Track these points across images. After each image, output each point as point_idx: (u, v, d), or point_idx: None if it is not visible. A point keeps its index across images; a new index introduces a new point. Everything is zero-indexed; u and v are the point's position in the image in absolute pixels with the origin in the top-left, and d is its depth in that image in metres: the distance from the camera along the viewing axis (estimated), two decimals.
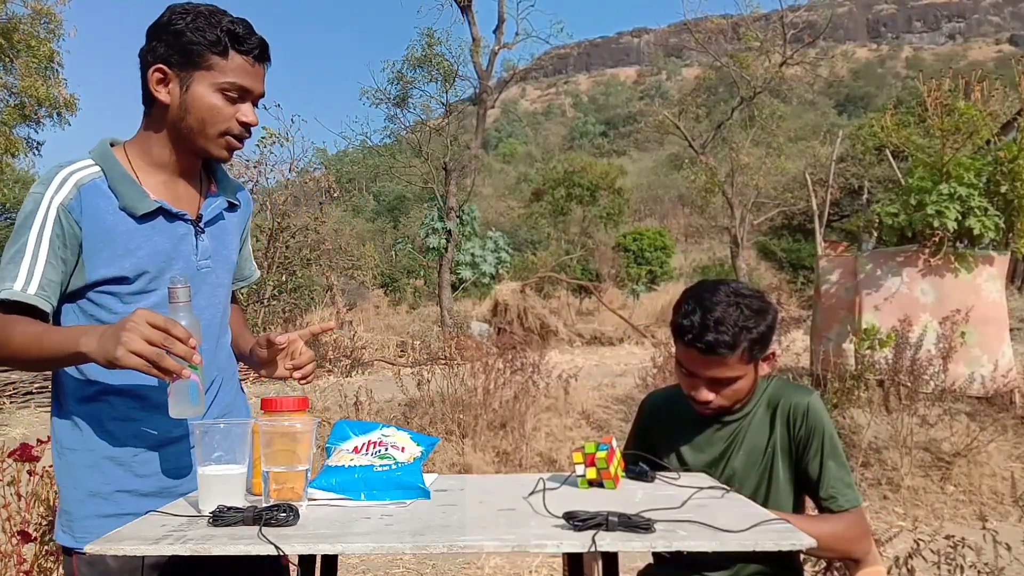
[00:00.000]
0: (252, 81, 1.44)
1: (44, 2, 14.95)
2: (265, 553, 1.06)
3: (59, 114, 15.71)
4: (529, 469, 5.17)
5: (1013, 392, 5.60)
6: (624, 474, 1.57)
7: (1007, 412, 5.46)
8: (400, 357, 11.76)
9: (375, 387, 6.85)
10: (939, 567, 2.46)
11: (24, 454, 2.42)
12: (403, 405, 6.28)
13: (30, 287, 1.33)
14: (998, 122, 6.30)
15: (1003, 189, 5.69)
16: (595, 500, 1.37)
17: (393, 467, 1.39)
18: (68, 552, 1.45)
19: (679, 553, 1.17)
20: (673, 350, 1.90)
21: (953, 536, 2.50)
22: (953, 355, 5.36)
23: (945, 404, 5.29)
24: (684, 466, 1.77)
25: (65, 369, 1.43)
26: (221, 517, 1.16)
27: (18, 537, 2.37)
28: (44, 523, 2.46)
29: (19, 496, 2.51)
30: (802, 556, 1.88)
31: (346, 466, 1.38)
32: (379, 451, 1.42)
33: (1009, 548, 2.53)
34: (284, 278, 12.41)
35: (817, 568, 2.34)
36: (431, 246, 16.46)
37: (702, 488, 1.45)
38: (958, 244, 5.78)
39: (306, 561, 1.23)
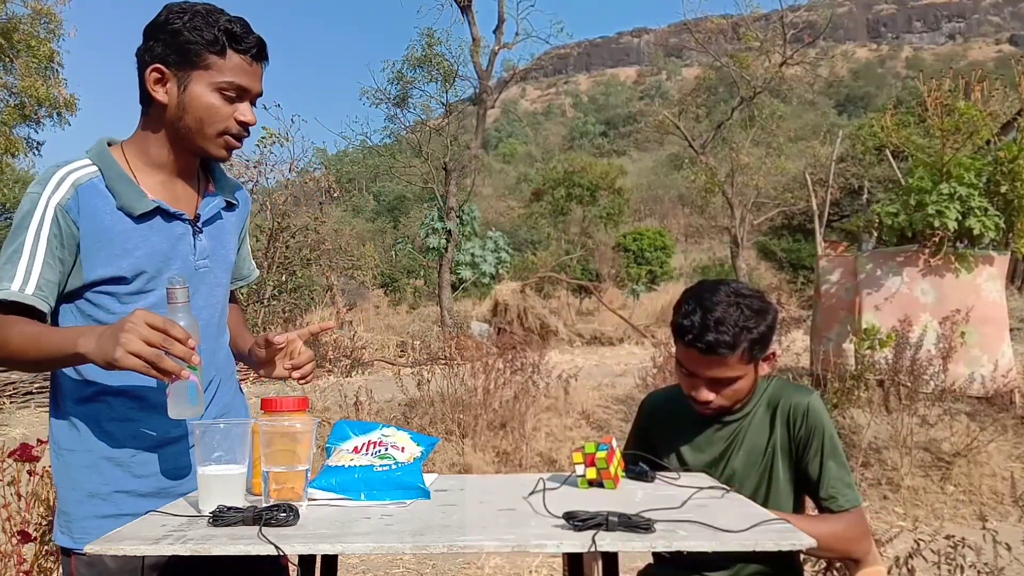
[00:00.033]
0: (250, 80, 1.44)
1: (44, 2, 14.95)
2: (265, 553, 1.06)
3: (59, 114, 15.71)
4: (529, 469, 5.17)
5: (1013, 392, 5.60)
6: (624, 474, 1.57)
7: (1007, 412, 5.46)
8: (400, 357, 11.76)
9: (375, 387, 6.85)
10: (939, 567, 2.46)
11: (24, 454, 2.42)
12: (403, 405, 6.28)
13: (28, 287, 1.33)
14: (998, 122, 6.30)
15: (1003, 189, 5.69)
16: (595, 500, 1.37)
17: (393, 467, 1.39)
18: (67, 553, 1.45)
19: (679, 553, 1.17)
20: (673, 350, 1.90)
21: (953, 536, 2.50)
22: (953, 355, 5.36)
23: (945, 404, 5.29)
24: (684, 466, 1.77)
25: (63, 370, 1.43)
26: (221, 517, 1.16)
27: (18, 537, 2.37)
28: (44, 523, 2.46)
29: (19, 496, 2.51)
30: (802, 556, 1.88)
31: (346, 466, 1.38)
32: (379, 451, 1.42)
33: (1009, 548, 2.53)
34: (284, 278, 12.42)
35: (817, 568, 2.34)
36: (431, 246, 16.46)
37: (702, 488, 1.45)
38: (958, 244, 5.78)
39: (306, 561, 1.23)
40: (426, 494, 1.38)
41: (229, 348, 1.65)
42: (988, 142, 6.13)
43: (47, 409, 1.51)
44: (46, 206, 1.36)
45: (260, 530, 1.11)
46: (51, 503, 2.48)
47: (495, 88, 16.78)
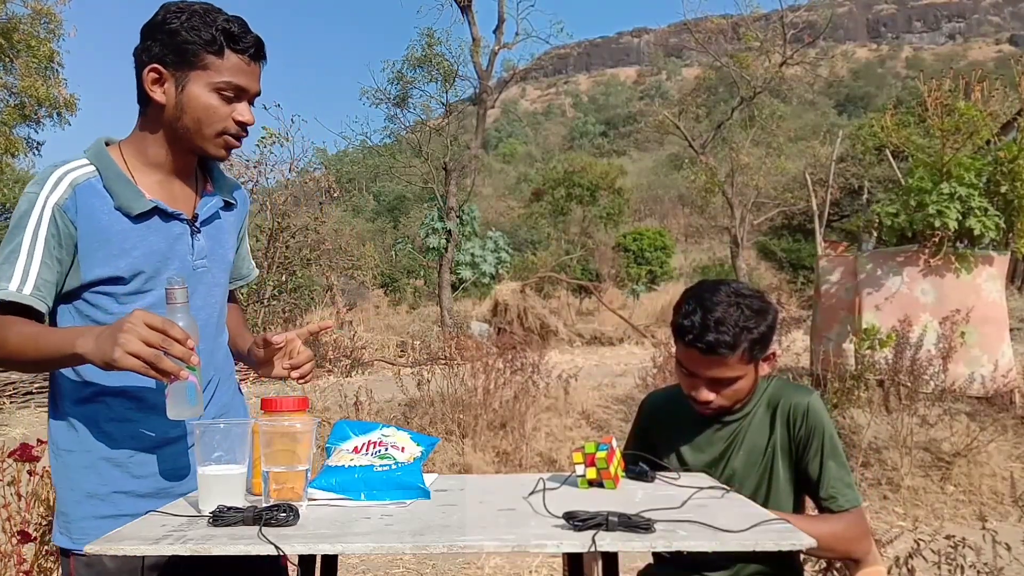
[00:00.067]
0: (248, 80, 1.43)
1: (44, 2, 14.95)
2: (265, 553, 1.05)
3: (59, 114, 15.71)
4: (529, 469, 5.17)
5: (1013, 392, 5.60)
6: (624, 474, 1.57)
7: (1007, 412, 5.46)
8: (400, 357, 11.76)
9: (375, 387, 6.85)
10: (939, 567, 2.46)
11: (24, 454, 2.42)
12: (403, 405, 6.28)
13: (25, 287, 1.32)
14: (998, 122, 6.30)
15: (1003, 189, 5.69)
16: (595, 500, 1.37)
17: (393, 467, 1.39)
18: (66, 554, 1.45)
19: (679, 553, 1.17)
20: (673, 350, 1.90)
21: (953, 536, 2.50)
22: (953, 355, 5.36)
23: (945, 404, 5.29)
24: (684, 466, 1.77)
25: (61, 370, 1.43)
26: (221, 517, 1.16)
27: (18, 537, 2.37)
28: (44, 523, 2.46)
29: (19, 496, 2.51)
30: (802, 556, 1.88)
31: (346, 466, 1.38)
32: (379, 451, 1.42)
33: (1009, 548, 2.53)
34: (284, 278, 12.41)
35: (817, 568, 2.34)
36: (431, 246, 16.46)
37: (702, 488, 1.45)
38: (958, 244, 5.78)
39: (306, 561, 1.23)
40: (426, 494, 1.38)
41: (228, 348, 1.65)
42: (988, 142, 6.13)
43: (47, 409, 1.50)
44: (44, 206, 1.35)
45: (260, 530, 1.11)
46: (51, 503, 2.48)
47: (495, 88, 16.79)
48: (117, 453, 1.43)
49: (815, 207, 7.12)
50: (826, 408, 1.76)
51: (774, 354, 1.76)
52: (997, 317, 5.75)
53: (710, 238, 34.02)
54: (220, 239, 1.57)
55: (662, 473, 1.62)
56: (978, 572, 2.46)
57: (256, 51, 1.44)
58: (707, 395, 1.70)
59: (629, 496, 1.43)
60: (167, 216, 1.45)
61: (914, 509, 4.49)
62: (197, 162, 1.54)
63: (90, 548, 1.08)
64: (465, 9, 15.76)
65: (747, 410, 1.77)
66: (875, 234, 6.62)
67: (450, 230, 15.88)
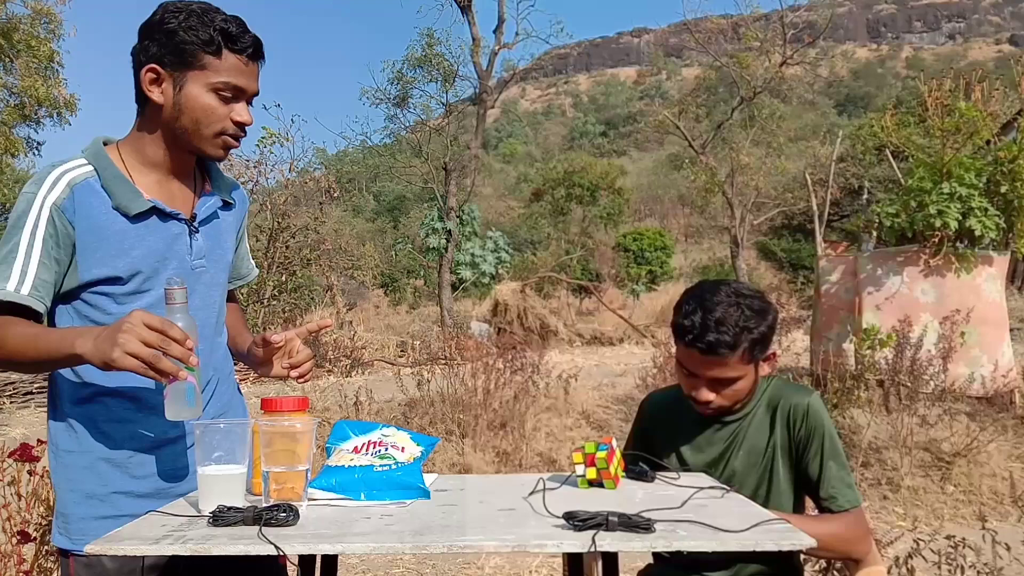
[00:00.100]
0: (246, 80, 1.43)
1: (44, 2, 14.96)
2: (265, 553, 1.05)
3: (59, 114, 15.72)
4: (529, 469, 5.17)
5: (1013, 392, 5.60)
6: (624, 474, 1.57)
7: (1007, 412, 5.46)
8: (400, 357, 11.76)
9: (375, 387, 6.85)
10: (939, 567, 2.46)
11: (24, 454, 2.42)
12: (403, 405, 6.28)
13: (23, 287, 1.32)
14: (998, 122, 6.30)
15: (1003, 189, 5.69)
16: (595, 500, 1.37)
17: (393, 467, 1.39)
18: (65, 554, 1.45)
19: (679, 553, 1.16)
20: (673, 350, 1.90)
21: (953, 536, 2.50)
22: (953, 355, 5.36)
23: (945, 404, 5.29)
24: (684, 466, 1.77)
25: (61, 371, 1.42)
26: (221, 517, 1.16)
27: (18, 537, 2.37)
28: (44, 523, 2.46)
29: (19, 496, 2.51)
30: (802, 556, 1.88)
31: (346, 466, 1.38)
32: (379, 451, 1.42)
33: (1009, 548, 2.53)
34: (284, 278, 12.40)
35: (817, 568, 2.34)
36: (431, 246, 16.47)
37: (702, 488, 1.45)
38: (958, 244, 5.78)
39: (306, 561, 1.23)
40: (426, 494, 1.38)
41: (227, 348, 1.65)
42: (988, 142, 6.13)
43: (47, 409, 1.50)
44: (41, 206, 1.35)
45: (260, 530, 1.11)
46: (51, 503, 2.48)
47: (495, 88, 16.79)
48: (116, 454, 1.43)
49: (815, 207, 7.12)
50: (826, 408, 1.76)
51: (774, 354, 1.76)
52: (997, 317, 5.75)
53: (710, 238, 34.04)
54: (219, 239, 1.57)
55: (662, 473, 1.62)
56: (978, 572, 2.46)
57: (254, 51, 1.43)
58: (707, 395, 1.70)
59: (629, 496, 1.43)
60: (165, 216, 1.45)
61: (914, 509, 4.49)
62: (196, 162, 1.54)
63: (90, 548, 1.08)
64: (465, 9, 15.76)
65: (747, 410, 1.77)
66: (875, 234, 6.62)
67: (450, 230, 15.89)
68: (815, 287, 6.75)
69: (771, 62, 17.20)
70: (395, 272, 23.91)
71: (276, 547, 1.05)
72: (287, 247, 12.45)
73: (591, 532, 1.09)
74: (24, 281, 1.32)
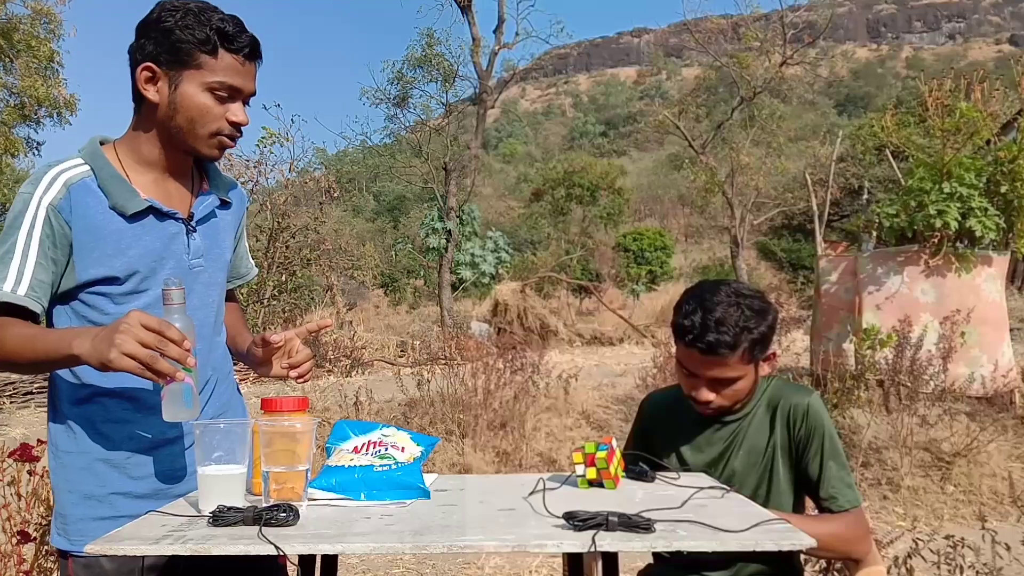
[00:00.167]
0: (242, 80, 1.42)
1: (44, 2, 14.97)
2: (265, 553, 1.05)
3: (59, 114, 15.72)
4: (529, 469, 5.17)
5: (1013, 392, 5.60)
6: (624, 474, 1.57)
7: (1007, 412, 5.46)
8: (400, 357, 11.76)
9: (375, 387, 6.85)
10: (939, 567, 2.46)
11: (24, 454, 2.42)
12: (403, 405, 6.28)
13: (20, 288, 1.32)
14: (998, 122, 6.30)
15: (1003, 189, 5.69)
16: (595, 500, 1.37)
17: (393, 467, 1.39)
18: (64, 555, 1.44)
19: (679, 553, 1.16)
20: (673, 350, 1.90)
21: (952, 536, 2.50)
22: (953, 355, 5.36)
23: (945, 404, 5.29)
24: (684, 466, 1.77)
25: (59, 372, 1.42)
26: (221, 517, 1.16)
27: (18, 537, 2.37)
28: (44, 523, 2.46)
29: (19, 496, 2.51)
30: (802, 556, 1.88)
31: (346, 466, 1.38)
32: (379, 451, 1.42)
33: (1008, 548, 2.53)
34: (284, 278, 12.41)
35: (817, 568, 2.34)
36: (431, 246, 16.47)
37: (702, 488, 1.45)
38: (958, 244, 5.78)
39: (306, 561, 1.23)
40: (426, 494, 1.38)
41: (226, 347, 1.64)
42: (988, 142, 6.13)
43: (47, 409, 1.50)
44: (38, 206, 1.34)
45: (260, 530, 1.11)
46: (51, 503, 2.48)
47: (495, 88, 16.80)
48: (115, 454, 1.43)
49: (815, 207, 7.12)
50: (826, 408, 1.76)
51: (774, 354, 1.76)
52: (997, 317, 5.75)
53: (710, 238, 34.04)
54: (216, 238, 1.56)
55: (662, 473, 1.62)
56: (977, 572, 2.46)
57: (251, 51, 1.42)
58: (707, 395, 1.70)
59: (629, 496, 1.43)
60: (162, 215, 1.44)
61: (914, 509, 4.49)
62: (193, 161, 1.53)
63: (90, 548, 1.08)
64: (465, 9, 15.76)
65: (747, 410, 1.77)
66: (875, 234, 6.62)
67: (450, 230, 15.89)
68: (815, 287, 6.75)
69: (771, 62, 17.20)
70: (395, 272, 23.91)
71: (276, 547, 1.05)
72: (287, 247, 12.46)
73: (591, 532, 1.09)
74: (21, 282, 1.32)
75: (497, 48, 15.87)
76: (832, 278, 6.24)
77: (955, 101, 5.95)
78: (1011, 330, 6.14)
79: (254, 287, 11.61)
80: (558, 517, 1.18)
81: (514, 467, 5.20)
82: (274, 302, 12.26)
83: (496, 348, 6.80)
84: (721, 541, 1.09)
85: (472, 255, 18.11)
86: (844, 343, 6.01)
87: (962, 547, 2.43)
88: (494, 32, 15.98)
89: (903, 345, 5.37)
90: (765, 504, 1.64)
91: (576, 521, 1.12)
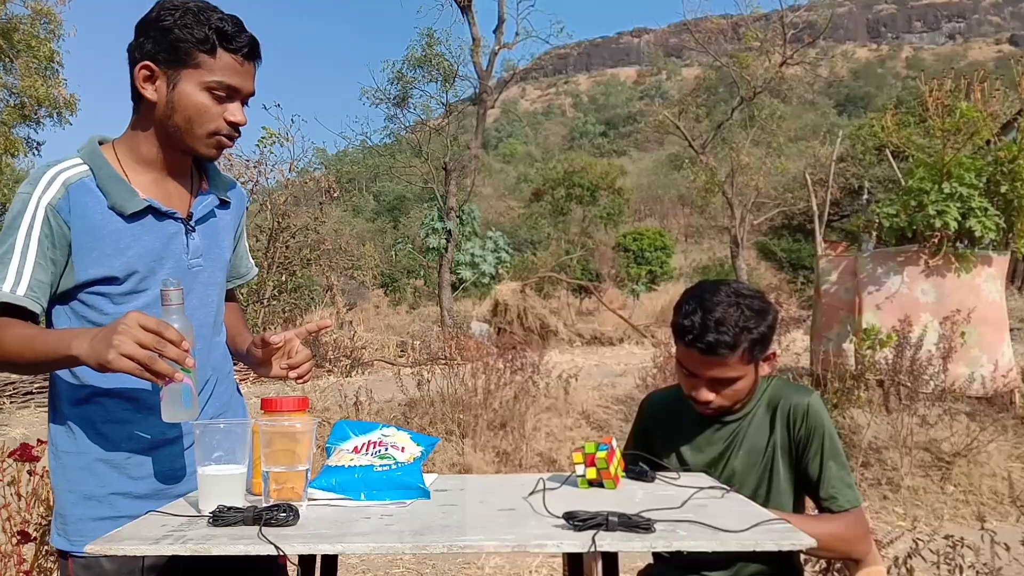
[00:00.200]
0: (241, 80, 1.41)
1: (44, 2, 14.97)
2: (265, 553, 1.05)
3: (59, 114, 15.72)
4: (529, 469, 5.17)
5: (1013, 392, 5.60)
6: (624, 474, 1.57)
7: (1007, 412, 5.46)
8: (400, 357, 11.76)
9: (375, 387, 6.85)
10: (938, 567, 2.46)
11: (24, 454, 2.42)
12: (403, 405, 6.28)
13: (19, 288, 1.31)
14: (998, 122, 6.30)
15: (1003, 189, 5.69)
16: (595, 500, 1.37)
17: (393, 467, 1.39)
18: (64, 556, 1.44)
19: (679, 553, 1.17)
20: (673, 350, 1.90)
21: (952, 536, 2.50)
22: (953, 355, 5.36)
23: (945, 404, 5.29)
24: (684, 466, 1.77)
25: (59, 372, 1.42)
26: (221, 517, 1.16)
27: (18, 537, 2.37)
28: (44, 523, 2.46)
29: (19, 496, 2.51)
30: (802, 556, 1.88)
31: (346, 466, 1.38)
32: (379, 451, 1.42)
33: (1008, 548, 2.53)
34: (284, 278, 12.41)
35: (817, 568, 2.34)
36: (431, 246, 16.47)
37: (702, 488, 1.45)
38: (958, 244, 5.78)
39: (306, 561, 1.23)
40: (426, 494, 1.38)
41: (226, 347, 1.64)
42: (988, 142, 6.13)
43: (47, 409, 1.50)
44: (36, 206, 1.34)
45: (260, 530, 1.11)
46: (51, 503, 2.48)
47: (495, 88, 16.80)
48: (114, 454, 1.43)
49: (815, 207, 7.12)
50: (826, 408, 1.76)
51: (774, 354, 1.76)
52: (997, 317, 5.76)
53: (710, 238, 34.04)
54: (216, 238, 1.56)
55: (662, 473, 1.62)
56: (977, 572, 2.46)
57: (250, 51, 1.42)
58: (707, 395, 1.70)
59: (629, 496, 1.43)
60: (161, 215, 1.44)
61: (914, 509, 4.49)
62: (193, 160, 1.53)
63: (90, 548, 1.08)
64: (465, 9, 15.76)
65: (747, 410, 1.77)
66: (875, 234, 6.62)
67: (450, 230, 15.89)
68: (815, 287, 6.75)
69: (771, 62, 17.20)
70: (395, 272, 23.91)
71: (276, 547, 1.05)
72: (287, 247, 12.46)
73: (591, 532, 1.09)
74: (20, 282, 1.32)
75: (497, 48, 15.87)
76: (832, 278, 6.24)
77: (955, 101, 5.95)
78: (1011, 330, 6.15)
79: (254, 287, 11.61)
80: (558, 517, 1.18)
81: (514, 467, 5.20)
82: (274, 302, 12.27)
83: (496, 348, 6.81)
84: (721, 541, 1.09)
85: (472, 255, 18.11)
86: (844, 343, 6.01)
87: (962, 547, 2.43)
88: (494, 32, 15.99)
89: (903, 345, 5.37)
90: (765, 504, 1.64)
91: (576, 521, 1.12)
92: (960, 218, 5.60)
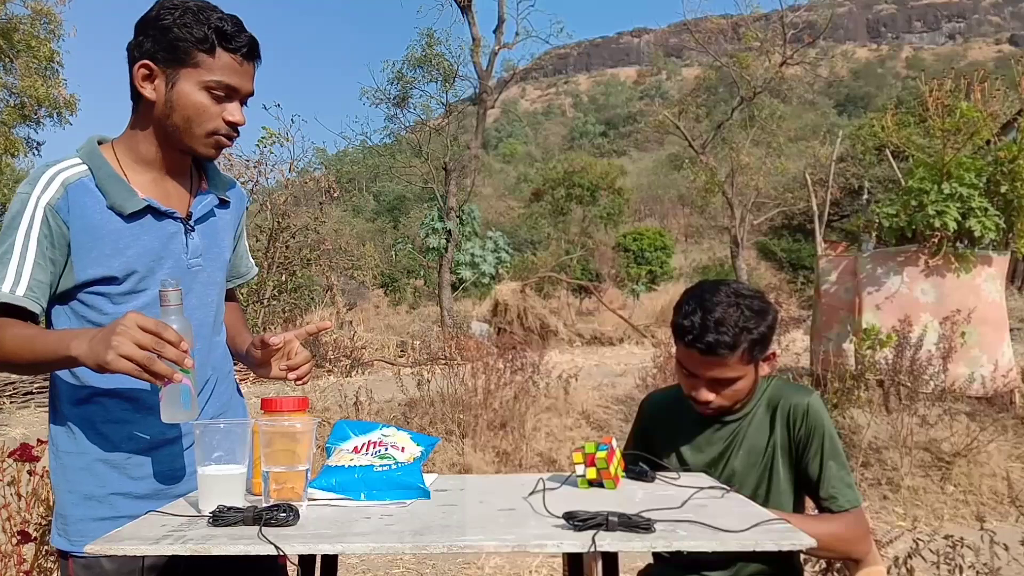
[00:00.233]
0: (240, 80, 1.41)
1: (44, 2, 14.97)
2: (265, 553, 1.05)
3: (59, 114, 15.72)
4: (529, 469, 5.17)
5: (1013, 392, 5.60)
6: (624, 474, 1.57)
7: (1007, 412, 5.46)
8: (400, 357, 11.76)
9: (375, 387, 6.85)
10: (938, 567, 2.46)
11: (24, 454, 2.42)
12: (403, 405, 6.28)
13: (19, 288, 1.31)
14: (998, 122, 6.30)
15: (1003, 189, 5.69)
16: (595, 500, 1.37)
17: (393, 467, 1.39)
18: (64, 556, 1.44)
19: (679, 553, 1.17)
20: (673, 350, 1.90)
21: (952, 536, 2.50)
22: (953, 355, 5.36)
23: (945, 404, 5.29)
24: (684, 466, 1.77)
25: (60, 372, 1.42)
26: (221, 517, 1.16)
27: (18, 537, 2.37)
28: (44, 523, 2.46)
29: (19, 496, 2.51)
30: (802, 556, 1.88)
31: (346, 466, 1.38)
32: (379, 451, 1.42)
33: (1007, 548, 2.53)
34: (284, 278, 12.41)
35: (817, 568, 2.34)
36: (431, 246, 16.47)
37: (702, 488, 1.45)
38: (958, 244, 5.78)
39: (306, 561, 1.23)
40: (426, 494, 1.38)
41: (226, 346, 1.64)
42: (988, 142, 6.13)
43: (47, 409, 1.50)
44: (36, 206, 1.34)
45: (260, 530, 1.11)
46: (51, 503, 2.48)
47: (495, 88, 16.79)
48: (114, 455, 1.43)
49: (815, 207, 7.12)
50: (826, 408, 1.76)
51: (774, 354, 1.76)
52: (997, 317, 5.76)
53: (710, 238, 34.04)
54: (215, 237, 1.56)
55: (662, 473, 1.62)
56: (976, 572, 2.46)
57: (249, 51, 1.42)
58: (707, 395, 1.70)
59: (629, 496, 1.43)
60: (160, 215, 1.44)
61: (914, 509, 4.49)
62: (192, 160, 1.53)
63: (91, 548, 1.08)
64: (465, 9, 15.76)
65: (747, 410, 1.77)
66: (875, 234, 6.62)
67: (450, 230, 15.89)
68: (815, 287, 6.75)
69: (771, 62, 17.20)
70: (395, 272, 23.91)
71: (276, 547, 1.05)
72: (287, 247, 12.46)
73: (591, 532, 1.09)
74: (19, 282, 1.32)
75: (497, 48, 15.87)
76: (832, 278, 6.24)
77: (955, 101, 5.95)
78: (1011, 330, 6.15)
79: (254, 287, 11.61)
80: (558, 517, 1.18)
81: (514, 467, 5.20)
82: (274, 302, 12.27)
83: (496, 348, 6.81)
84: (721, 541, 1.09)
85: (472, 255, 18.12)
86: (844, 343, 6.01)
87: (962, 547, 2.43)
88: (494, 32, 15.99)
89: (903, 345, 5.37)
90: (765, 504, 1.64)
91: (576, 521, 1.12)
92: (960, 218, 5.60)
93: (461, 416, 5.59)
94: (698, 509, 1.27)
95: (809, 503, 1.77)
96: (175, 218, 1.46)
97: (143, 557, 1.38)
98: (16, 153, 15.02)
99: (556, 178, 25.02)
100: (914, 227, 5.82)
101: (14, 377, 8.36)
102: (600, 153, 54.88)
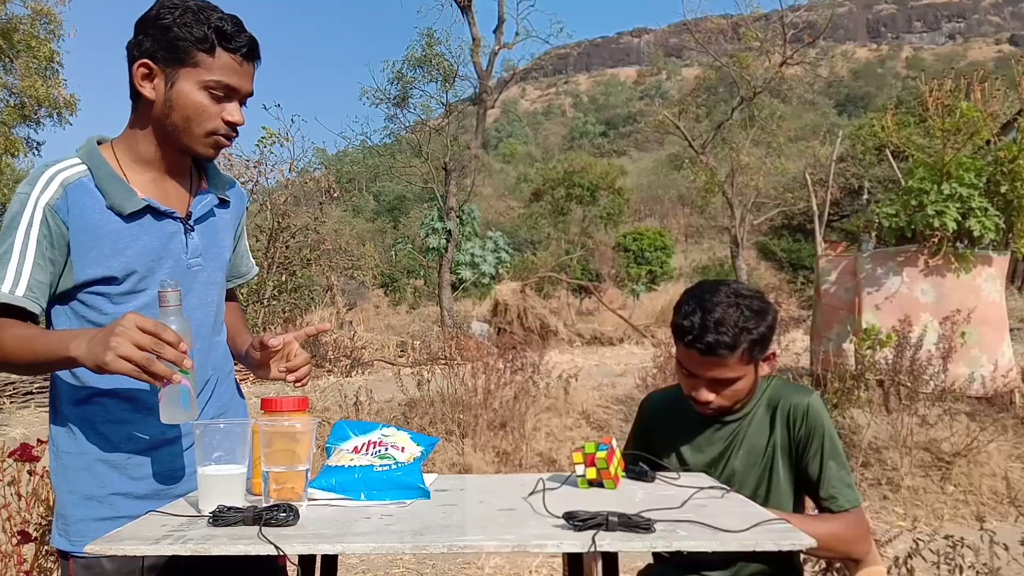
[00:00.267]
0: (239, 80, 1.41)
1: (44, 2, 14.97)
2: (265, 553, 1.05)
3: (59, 114, 15.73)
4: (529, 469, 5.17)
5: (1013, 392, 5.60)
6: (624, 474, 1.57)
7: (1007, 412, 5.46)
8: (400, 357, 11.76)
9: (375, 387, 6.85)
10: (938, 567, 2.46)
11: (24, 454, 2.42)
12: (403, 405, 6.28)
13: (18, 289, 1.31)
14: (998, 122, 6.30)
15: (1003, 189, 5.69)
16: (595, 500, 1.37)
17: (393, 467, 1.39)
18: (64, 556, 1.44)
19: (679, 553, 1.17)
20: (673, 350, 1.90)
21: (952, 536, 2.50)
22: (953, 355, 5.36)
23: (945, 404, 5.29)
24: (684, 466, 1.77)
25: (60, 372, 1.42)
26: (221, 517, 1.16)
27: (18, 537, 2.37)
28: (44, 523, 2.46)
29: (19, 496, 2.51)
30: (802, 556, 1.88)
31: (346, 466, 1.38)
32: (379, 451, 1.42)
33: (1007, 548, 2.53)
34: (284, 278, 12.41)
35: (817, 568, 2.34)
36: (431, 246, 16.47)
37: (702, 488, 1.45)
38: (958, 244, 5.78)
39: (306, 561, 1.23)
40: (426, 494, 1.38)
41: (226, 346, 1.64)
42: (988, 142, 6.13)
43: (47, 409, 1.50)
44: (35, 206, 1.34)
45: (260, 530, 1.11)
46: (51, 503, 2.48)
47: (495, 88, 16.79)
48: (114, 455, 1.42)
49: (815, 207, 7.12)
50: (826, 408, 1.76)
51: (774, 354, 1.76)
52: (997, 317, 5.76)
53: (710, 238, 34.04)
54: (215, 237, 1.55)
55: (662, 473, 1.62)
56: (976, 572, 2.46)
57: (249, 51, 1.41)
58: (707, 395, 1.70)
59: (629, 496, 1.43)
60: (160, 215, 1.44)
61: (914, 509, 4.49)
62: (192, 160, 1.53)
63: (91, 548, 1.08)
64: (465, 9, 15.76)
65: (747, 410, 1.77)
66: (875, 234, 6.62)
67: (450, 230, 15.89)
68: (815, 287, 6.75)
69: (771, 62, 17.20)
70: (395, 272, 23.91)
71: (276, 547, 1.05)
72: (287, 247, 12.46)
73: (591, 532, 1.09)
74: (19, 282, 1.32)
75: (497, 48, 15.87)
76: (832, 278, 6.24)
77: (955, 101, 5.95)
78: (1011, 330, 6.15)
79: (254, 287, 11.61)
80: (558, 517, 1.18)
81: (514, 467, 5.20)
82: (274, 302, 12.27)
83: (496, 348, 6.81)
84: (721, 541, 1.09)
85: (472, 255, 18.11)
86: (844, 343, 6.01)
87: (962, 547, 2.43)
88: (494, 32, 15.99)
89: (903, 345, 5.37)
90: (765, 504, 1.64)
91: (576, 521, 1.12)
92: (960, 218, 5.60)
93: (461, 416, 5.60)
94: (698, 509, 1.27)
95: (809, 503, 1.77)
96: (175, 218, 1.46)
97: (143, 557, 1.37)
98: (16, 153, 15.02)
99: (556, 178, 25.02)
100: (914, 227, 5.82)
101: (14, 377, 8.36)
102: (600, 153, 54.88)
